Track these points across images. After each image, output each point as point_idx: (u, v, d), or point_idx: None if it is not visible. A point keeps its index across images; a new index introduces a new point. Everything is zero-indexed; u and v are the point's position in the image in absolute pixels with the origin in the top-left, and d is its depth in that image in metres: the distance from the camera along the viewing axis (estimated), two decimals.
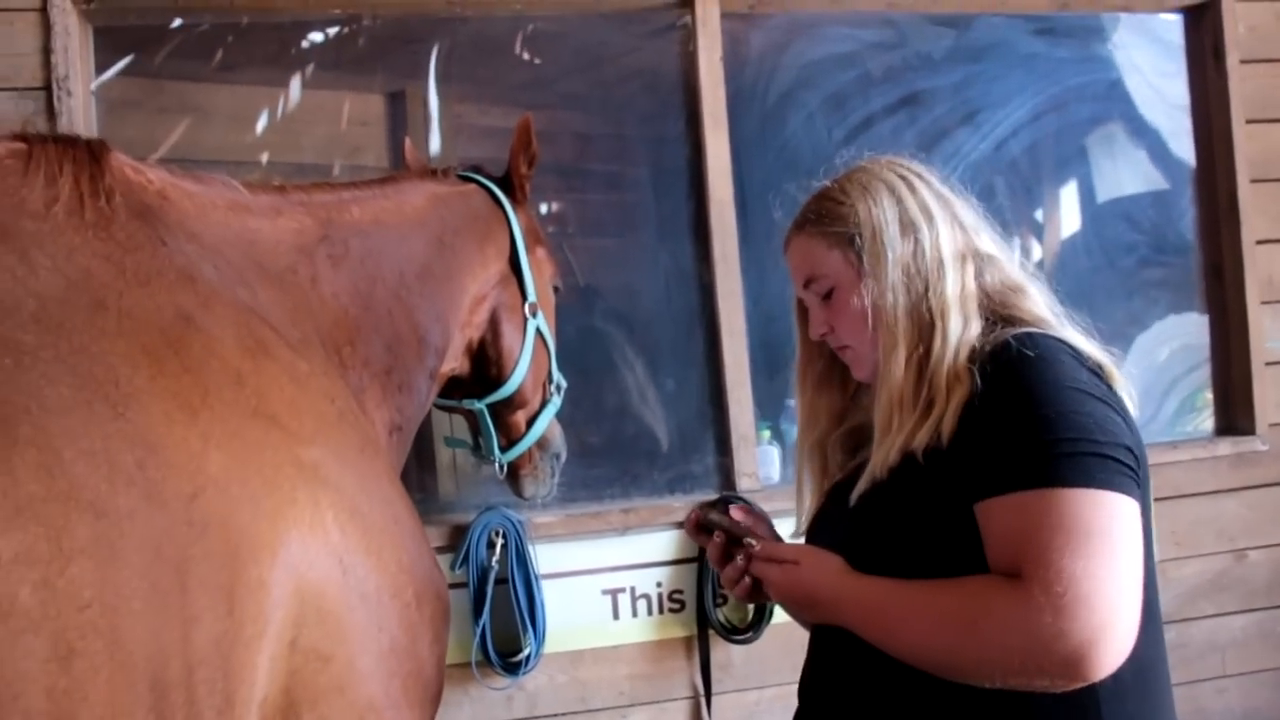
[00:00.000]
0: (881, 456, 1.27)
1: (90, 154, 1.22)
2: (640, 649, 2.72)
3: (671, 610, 2.74)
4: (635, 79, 3.11)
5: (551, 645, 2.62)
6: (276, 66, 2.95)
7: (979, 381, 1.20)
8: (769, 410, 2.95)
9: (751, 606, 2.71)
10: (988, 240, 1.38)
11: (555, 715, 2.67)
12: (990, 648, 1.12)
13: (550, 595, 2.62)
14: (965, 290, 1.31)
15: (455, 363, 2.00)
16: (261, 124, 2.94)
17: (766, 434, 2.90)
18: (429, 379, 1.81)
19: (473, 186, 2.09)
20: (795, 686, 2.78)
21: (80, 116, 2.57)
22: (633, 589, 2.71)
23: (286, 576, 1.07)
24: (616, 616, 2.70)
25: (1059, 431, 1.14)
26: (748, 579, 1.38)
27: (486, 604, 2.51)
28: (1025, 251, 3.27)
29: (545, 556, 2.64)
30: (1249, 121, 3.14)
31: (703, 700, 2.70)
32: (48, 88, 2.53)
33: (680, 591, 2.74)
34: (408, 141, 2.44)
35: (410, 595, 1.27)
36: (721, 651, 2.74)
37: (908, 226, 1.33)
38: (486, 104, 3.42)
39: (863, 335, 1.37)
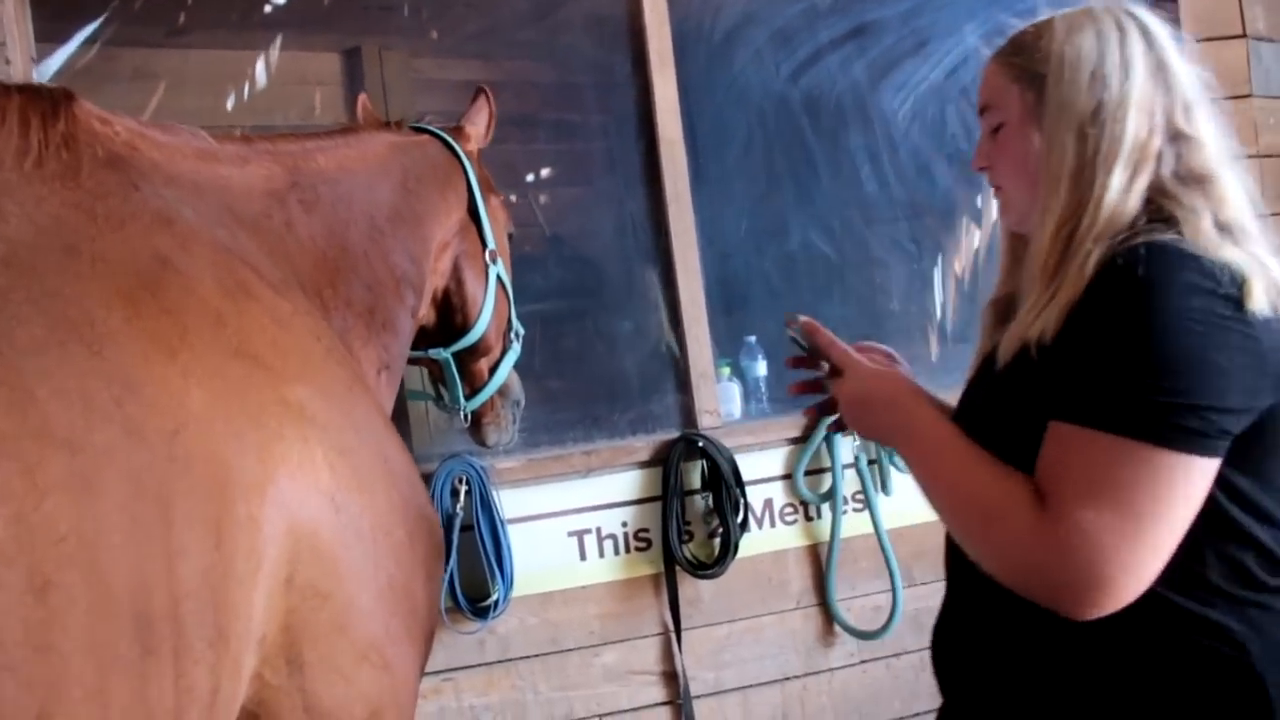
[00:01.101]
0: (1006, 344, 1.21)
1: (56, 104, 1.20)
2: (608, 588, 2.75)
3: (638, 549, 2.76)
4: (582, 24, 3.10)
5: (520, 589, 2.64)
6: (230, 29, 2.93)
7: (1089, 287, 1.11)
8: (727, 347, 2.97)
9: (717, 542, 2.74)
10: (1199, 117, 1.22)
11: (527, 657, 2.70)
12: (989, 549, 1.15)
13: (516, 539, 2.63)
14: (1137, 173, 1.18)
15: (424, 311, 2.00)
16: (217, 87, 2.93)
17: (726, 371, 2.92)
18: (410, 318, 1.81)
19: (426, 137, 2.08)
20: (764, 619, 2.84)
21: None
22: (598, 530, 2.74)
23: (277, 513, 1.07)
24: (584, 557, 2.73)
25: (1131, 374, 1.07)
26: (822, 398, 1.38)
27: (453, 550, 2.53)
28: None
29: (510, 501, 2.66)
30: (1199, 40, 3.13)
31: (673, 636, 2.73)
32: None
33: (646, 530, 2.76)
34: (362, 96, 2.41)
35: (403, 533, 1.27)
36: (690, 587, 2.78)
37: (1099, 81, 1.19)
38: (443, 57, 3.41)
39: (1018, 181, 1.29)
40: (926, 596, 2.94)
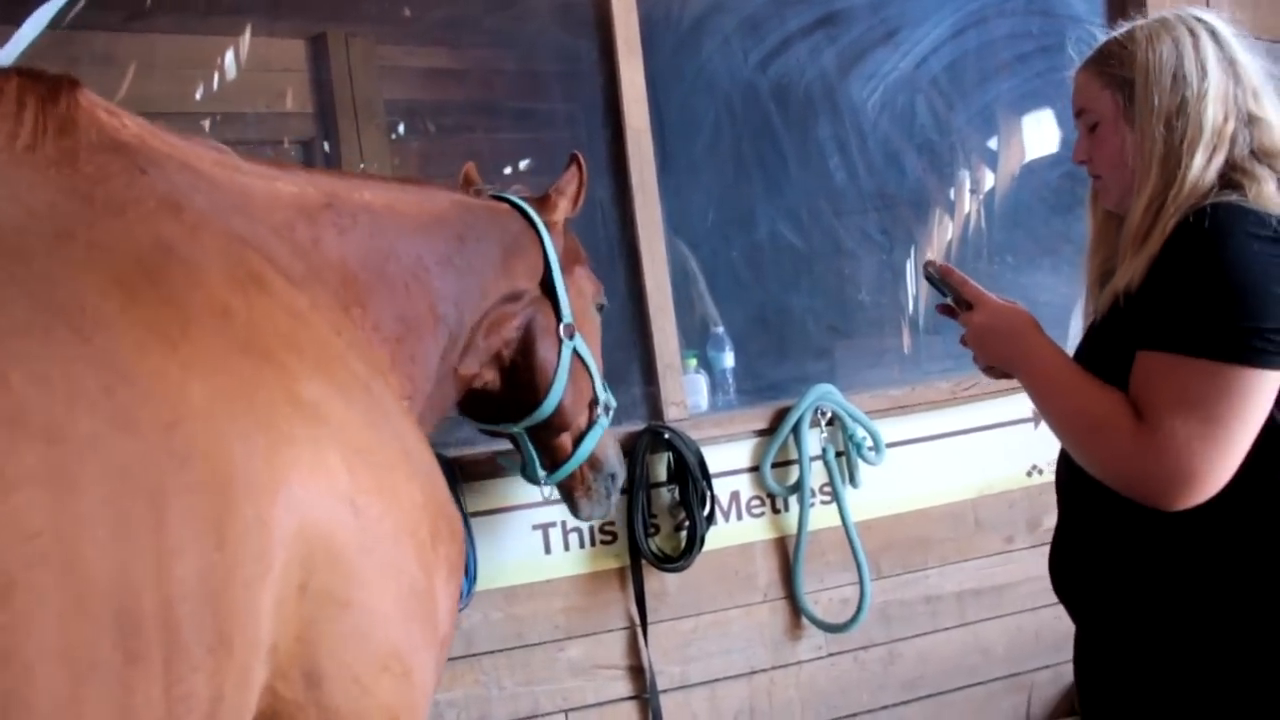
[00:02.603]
0: (1102, 300, 1.48)
1: (57, 89, 1.15)
2: (573, 582, 2.72)
3: (603, 542, 2.73)
4: (549, 12, 3.05)
5: (484, 583, 2.61)
6: (193, 14, 2.87)
7: (1166, 242, 1.36)
8: (694, 339, 2.94)
9: (683, 535, 2.72)
10: (1266, 101, 1.46)
11: (491, 652, 2.66)
12: (1096, 455, 1.40)
13: (480, 533, 2.60)
14: (1214, 154, 1.41)
15: (481, 372, 1.99)
16: (182, 74, 2.87)
17: (693, 362, 2.90)
18: (440, 360, 1.76)
19: (505, 206, 2.07)
20: (730, 612, 2.82)
21: None
22: (563, 523, 2.71)
23: (288, 517, 1.01)
24: (548, 551, 2.70)
25: (1204, 306, 1.30)
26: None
27: None
28: (967, 176, 3.26)
29: (473, 495, 2.62)
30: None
31: (639, 630, 2.71)
32: None
33: (611, 524, 2.73)
34: (468, 165, 2.36)
35: (425, 533, 1.24)
36: (656, 581, 2.75)
37: (1180, 81, 1.43)
38: (409, 44, 3.37)
39: (1115, 171, 1.52)
40: (894, 589, 2.93)
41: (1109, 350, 1.45)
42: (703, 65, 3.03)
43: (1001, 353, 1.55)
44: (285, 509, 1.01)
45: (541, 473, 2.24)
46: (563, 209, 2.17)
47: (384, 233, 1.64)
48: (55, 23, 2.70)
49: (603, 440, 2.26)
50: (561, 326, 2.06)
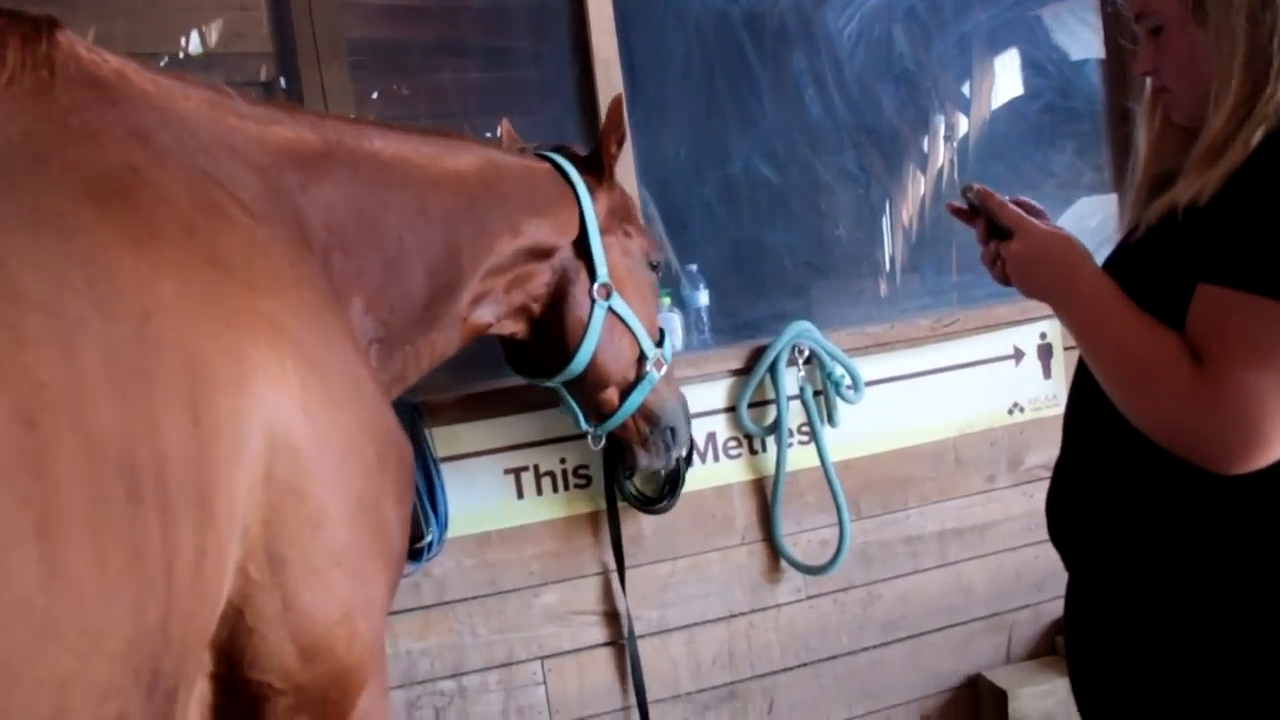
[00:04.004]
0: (1154, 209, 1.29)
1: (38, 28, 1.24)
2: (547, 527, 2.66)
3: (578, 486, 2.67)
4: None
5: (456, 529, 2.55)
6: None
7: (1251, 157, 1.16)
8: (666, 278, 2.86)
9: (664, 475, 2.65)
10: None
11: (465, 599, 2.61)
12: (1144, 403, 1.22)
13: (451, 478, 2.54)
14: None
15: (503, 323, 2.07)
16: (140, 11, 2.77)
17: (667, 301, 2.82)
18: (433, 309, 1.83)
19: (543, 165, 2.11)
20: (708, 555, 2.78)
21: None
22: (536, 467, 2.64)
23: (256, 410, 1.11)
24: (521, 496, 2.64)
25: None
26: (1000, 260, 1.43)
27: None
28: (945, 110, 3.19)
29: (443, 440, 2.56)
30: None
31: (615, 574, 2.66)
32: None
33: (585, 467, 2.68)
34: (505, 121, 2.41)
35: (372, 454, 1.31)
36: (632, 525, 2.70)
37: None
38: None
39: (1186, 79, 1.32)
40: (874, 530, 2.89)
41: (1151, 275, 1.28)
42: None
43: (1041, 283, 1.38)
44: (252, 403, 1.11)
45: (585, 424, 2.31)
46: (610, 170, 2.18)
47: (387, 183, 1.71)
48: None
49: (659, 393, 2.30)
50: (595, 286, 2.10)
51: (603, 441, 2.37)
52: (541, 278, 2.07)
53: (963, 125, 3.23)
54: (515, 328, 2.11)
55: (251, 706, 1.19)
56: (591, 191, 2.12)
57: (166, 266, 1.09)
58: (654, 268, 2.30)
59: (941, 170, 3.18)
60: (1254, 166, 1.16)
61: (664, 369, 2.27)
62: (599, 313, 2.11)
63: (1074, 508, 1.46)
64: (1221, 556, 1.27)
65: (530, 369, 2.25)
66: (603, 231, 2.12)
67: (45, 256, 0.97)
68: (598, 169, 2.16)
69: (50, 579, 0.86)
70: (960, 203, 1.50)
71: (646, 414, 2.31)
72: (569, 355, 2.13)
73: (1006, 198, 1.46)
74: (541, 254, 2.05)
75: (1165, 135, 1.43)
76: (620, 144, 2.16)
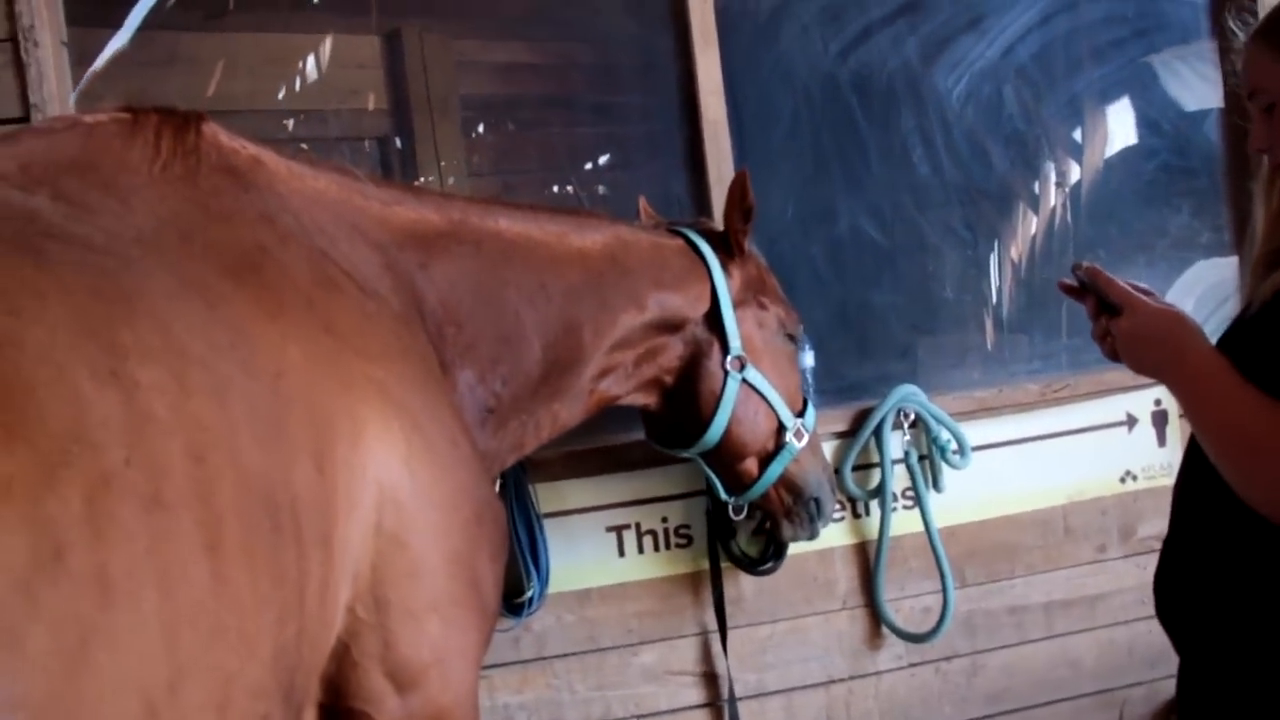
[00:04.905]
0: (1268, 286, 1.31)
1: (187, 121, 1.41)
2: (647, 586, 2.67)
3: (679, 545, 2.68)
4: (624, 3, 3.00)
5: (557, 585, 2.57)
6: (267, 11, 2.88)
7: None
8: None
9: (768, 537, 2.64)
10: None
11: (564, 655, 2.62)
12: (1254, 479, 1.22)
13: (554, 534, 2.56)
14: None
15: (633, 396, 2.12)
16: (262, 71, 2.89)
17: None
18: (546, 383, 1.88)
19: (675, 241, 2.15)
20: (808, 619, 2.74)
21: (51, 68, 2.51)
22: (638, 525, 2.66)
23: (369, 463, 1.24)
24: (622, 554, 2.65)
25: None
26: (1110, 336, 1.43)
27: None
28: (1056, 168, 3.14)
29: (547, 495, 2.58)
30: None
31: (716, 635, 2.64)
32: (13, 39, 2.47)
33: (687, 526, 2.68)
34: (641, 199, 2.48)
35: (469, 511, 1.42)
36: (732, 586, 2.68)
37: None
38: (485, 39, 3.35)
39: None
40: (978, 598, 2.83)
41: (1268, 350, 1.28)
42: (781, 55, 2.93)
43: (1152, 360, 1.38)
44: (366, 456, 1.24)
45: (723, 494, 2.32)
46: (740, 243, 2.19)
47: (508, 261, 1.80)
48: (144, 24, 2.72)
49: (800, 463, 2.29)
50: (729, 359, 2.11)
51: (744, 512, 2.37)
52: (674, 351, 2.10)
53: (1074, 184, 3.17)
54: (647, 400, 2.15)
55: None
56: (724, 265, 2.14)
57: (293, 334, 1.23)
58: (791, 338, 2.29)
59: (1052, 231, 3.12)
60: None
61: (805, 439, 2.25)
62: (732, 384, 2.12)
63: (1183, 587, 1.44)
64: None
65: (667, 440, 2.27)
66: (736, 304, 2.13)
67: (198, 321, 1.10)
68: (728, 244, 2.17)
69: (219, 589, 0.98)
70: (1071, 280, 1.51)
71: (788, 484, 2.30)
72: (704, 427, 2.14)
73: (1122, 280, 1.46)
74: (672, 327, 2.07)
75: None
76: (748, 218, 2.16)
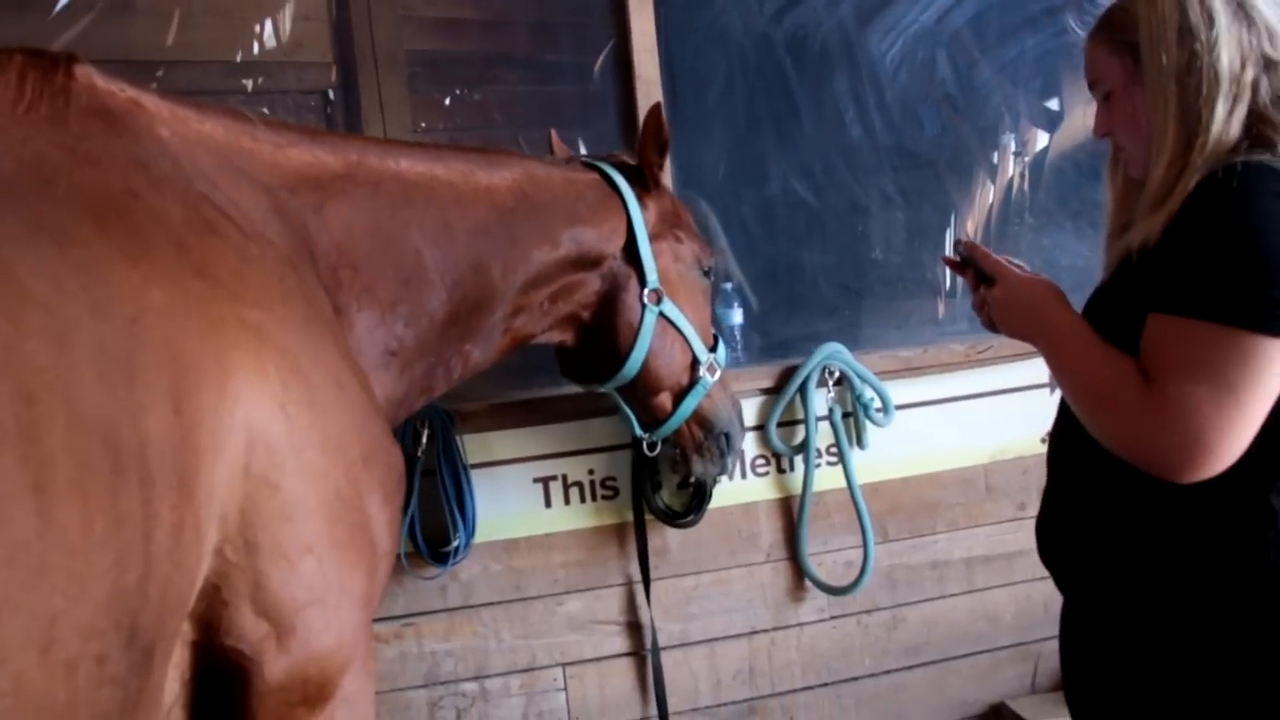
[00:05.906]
0: (1112, 255, 1.48)
1: (54, 62, 1.36)
2: (573, 537, 2.70)
3: (605, 497, 2.71)
4: None
5: (484, 534, 2.60)
6: None
7: (1188, 199, 1.31)
8: None
9: (690, 491, 2.69)
10: None
11: (490, 604, 2.66)
12: (1107, 424, 1.36)
13: (481, 485, 2.59)
14: (1235, 105, 1.35)
15: (551, 333, 2.12)
16: (209, 21, 2.86)
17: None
18: (454, 324, 1.86)
19: (590, 175, 2.13)
20: (732, 571, 2.79)
21: None
22: (564, 477, 2.69)
23: (236, 407, 1.22)
24: (549, 504, 2.68)
25: (1222, 269, 1.25)
26: (987, 306, 1.60)
27: (414, 495, 2.48)
28: (987, 134, 3.18)
29: (474, 446, 2.61)
30: None
31: (640, 586, 2.69)
32: None
33: (613, 479, 2.71)
34: (552, 132, 2.47)
35: (356, 453, 1.40)
36: (657, 537, 2.73)
37: (1186, 34, 1.36)
38: None
39: (1135, 138, 1.48)
40: (900, 553, 2.89)
41: (1116, 311, 1.42)
42: (716, 15, 2.95)
43: (1021, 325, 1.54)
44: (233, 400, 1.22)
45: (638, 429, 2.33)
46: (655, 177, 2.19)
47: (410, 201, 1.78)
48: None
49: (712, 399, 2.31)
50: (645, 292, 2.12)
51: (658, 448, 2.39)
52: (591, 286, 2.09)
53: (1007, 151, 3.21)
54: (564, 336, 2.15)
55: (233, 680, 1.29)
56: (640, 198, 2.13)
57: (157, 277, 1.20)
58: (706, 273, 2.30)
59: (983, 196, 3.17)
60: (1189, 210, 1.31)
61: (718, 374, 2.28)
62: (650, 318, 2.13)
63: (1061, 530, 1.57)
64: (1196, 566, 1.37)
65: (583, 375, 2.28)
66: (653, 238, 2.14)
67: (45, 264, 1.09)
68: (643, 177, 2.17)
69: (44, 529, 0.98)
70: (954, 255, 1.69)
71: (700, 420, 2.32)
72: (621, 360, 2.15)
73: (1003, 257, 1.62)
74: (589, 263, 2.07)
75: (1126, 189, 1.58)
76: (662, 151, 2.15)
